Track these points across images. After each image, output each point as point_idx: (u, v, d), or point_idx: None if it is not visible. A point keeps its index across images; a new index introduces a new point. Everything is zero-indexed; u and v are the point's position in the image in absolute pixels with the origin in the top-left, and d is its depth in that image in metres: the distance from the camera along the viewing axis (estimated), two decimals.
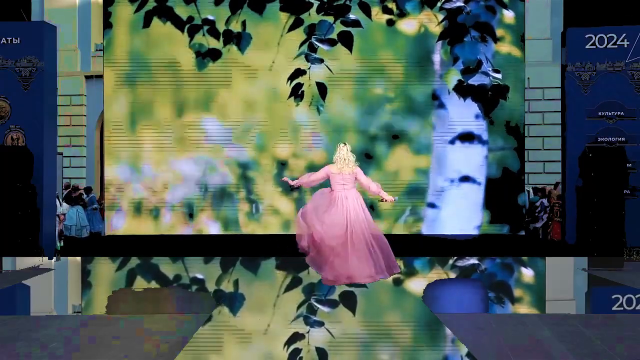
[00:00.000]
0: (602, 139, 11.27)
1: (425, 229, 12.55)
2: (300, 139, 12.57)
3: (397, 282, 9.14)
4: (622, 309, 7.20)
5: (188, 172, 12.56)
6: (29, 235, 10.55)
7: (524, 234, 12.61)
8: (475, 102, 12.50)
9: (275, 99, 12.59)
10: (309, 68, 12.51)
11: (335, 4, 12.58)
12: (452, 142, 12.53)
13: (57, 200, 12.46)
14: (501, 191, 12.48)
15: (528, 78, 13.30)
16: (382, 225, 12.41)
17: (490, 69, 12.45)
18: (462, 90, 12.50)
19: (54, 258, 10.97)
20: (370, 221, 8.01)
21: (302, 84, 12.52)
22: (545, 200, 13.04)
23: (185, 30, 12.62)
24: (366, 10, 12.56)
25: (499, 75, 12.43)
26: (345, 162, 7.96)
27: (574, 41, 11.49)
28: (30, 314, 7.26)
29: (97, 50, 16.30)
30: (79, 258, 11.38)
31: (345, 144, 8.21)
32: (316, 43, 12.54)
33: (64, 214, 12.94)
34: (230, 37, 12.62)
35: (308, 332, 6.07)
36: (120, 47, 12.67)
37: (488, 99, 12.48)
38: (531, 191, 13.86)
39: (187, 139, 12.61)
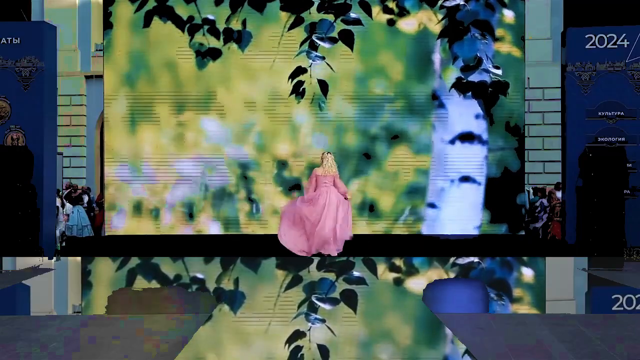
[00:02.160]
0: (602, 139, 11.27)
1: (425, 229, 12.56)
2: (301, 138, 12.60)
3: (398, 282, 9.15)
4: (622, 309, 7.20)
5: (188, 172, 12.58)
6: (29, 235, 10.54)
7: (523, 234, 12.61)
8: (475, 98, 12.51)
9: (275, 99, 12.60)
10: (310, 66, 12.53)
11: (335, 2, 12.59)
12: (452, 142, 12.55)
13: (61, 200, 12.45)
14: (501, 191, 12.49)
15: (528, 78, 13.31)
16: (382, 225, 12.51)
17: (491, 66, 12.46)
18: (462, 87, 12.50)
19: (54, 258, 10.97)
20: (341, 216, 10.26)
21: (304, 82, 12.53)
22: (545, 200, 13.04)
23: (186, 29, 12.63)
24: (367, 9, 12.57)
25: (499, 72, 12.43)
26: (329, 167, 10.41)
27: (574, 41, 11.49)
28: (30, 314, 7.26)
29: (97, 50, 16.30)
30: (79, 258, 11.37)
31: (329, 153, 10.68)
32: (317, 41, 12.55)
33: (68, 215, 12.93)
34: (230, 36, 12.63)
35: (309, 329, 6.07)
36: (121, 46, 12.68)
37: (488, 95, 12.49)
38: (531, 191, 13.86)
39: (187, 138, 12.63)
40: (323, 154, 10.82)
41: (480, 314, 7.10)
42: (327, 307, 7.09)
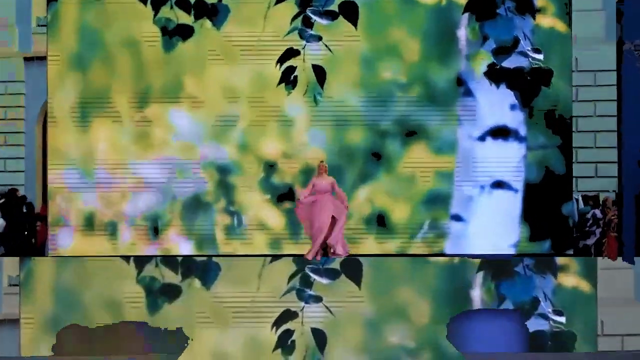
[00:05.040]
0: None
1: (449, 248, 12.54)
2: (293, 135, 12.59)
3: None
4: None
5: (152, 177, 12.59)
6: None
7: (572, 253, 12.56)
8: (510, 89, 12.51)
9: (261, 87, 12.63)
10: (303, 47, 12.52)
11: None
12: (482, 138, 12.54)
13: None
14: (543, 200, 12.50)
15: (576, 59, 13.29)
16: (395, 243, 12.50)
17: (529, 49, 12.45)
18: (495, 75, 12.52)
19: None
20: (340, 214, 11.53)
21: (295, 68, 12.52)
22: (598, 211, 12.96)
23: (149, 2, 12.61)
24: None
25: (540, 56, 12.44)
26: (325, 175, 11.58)
27: (632, 13, 11.50)
28: None
29: (39, 25, 16.27)
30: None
31: (322, 162, 11.68)
32: (312, 16, 12.54)
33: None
34: (203, 10, 12.60)
35: (302, 309, 6.05)
36: (69, 22, 12.72)
37: (526, 85, 12.50)
38: (581, 200, 13.79)
39: (152, 135, 12.62)
40: (319, 163, 11.65)
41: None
42: (324, 281, 7.06)
